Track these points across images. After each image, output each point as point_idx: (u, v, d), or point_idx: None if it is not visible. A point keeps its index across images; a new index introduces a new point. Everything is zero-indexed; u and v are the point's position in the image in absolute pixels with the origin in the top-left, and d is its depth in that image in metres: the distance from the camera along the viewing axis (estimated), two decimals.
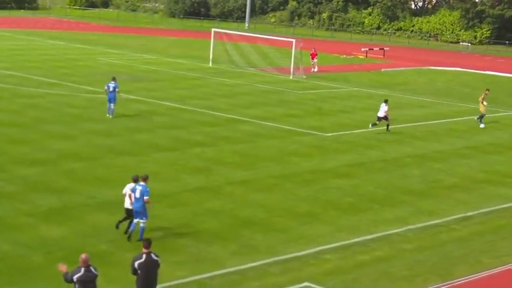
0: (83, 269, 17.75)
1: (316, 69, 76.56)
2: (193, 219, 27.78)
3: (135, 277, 18.95)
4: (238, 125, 45.85)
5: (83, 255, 17.92)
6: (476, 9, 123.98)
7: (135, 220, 25.00)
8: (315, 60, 77.46)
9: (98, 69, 67.88)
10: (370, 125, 46.15)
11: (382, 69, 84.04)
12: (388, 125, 46.33)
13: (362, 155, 40.05)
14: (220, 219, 27.90)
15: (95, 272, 17.89)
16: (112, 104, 45.03)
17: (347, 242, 26.39)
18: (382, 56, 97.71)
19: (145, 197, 24.69)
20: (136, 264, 18.79)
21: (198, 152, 38.01)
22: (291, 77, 70.26)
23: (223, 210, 28.91)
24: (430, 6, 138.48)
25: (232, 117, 48.10)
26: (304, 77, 71.15)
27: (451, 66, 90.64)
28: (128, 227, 25.28)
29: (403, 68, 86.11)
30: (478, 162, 40.47)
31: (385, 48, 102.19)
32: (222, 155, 37.70)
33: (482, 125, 50.86)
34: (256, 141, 41.61)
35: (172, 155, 37.35)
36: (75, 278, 17.65)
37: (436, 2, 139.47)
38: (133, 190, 24.94)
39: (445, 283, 23.14)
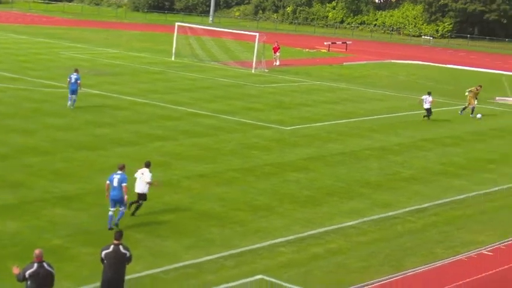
0: (35, 265, 17.55)
1: (278, 63, 76.82)
2: (150, 213, 27.85)
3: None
4: (199, 118, 45.98)
5: (37, 251, 17.76)
6: (439, 3, 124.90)
7: (112, 209, 25.61)
8: (278, 54, 77.74)
9: (60, 63, 67.62)
10: (423, 116, 50.24)
11: (344, 63, 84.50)
12: (429, 115, 50.61)
13: (321, 148, 40.36)
14: (177, 213, 28.01)
15: (49, 269, 17.67)
16: (74, 96, 45.59)
17: (302, 234, 26.62)
18: (345, 50, 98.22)
19: (123, 184, 25.33)
20: (103, 254, 19.01)
21: (158, 146, 38.10)
22: (253, 71, 70.48)
23: (181, 204, 29.03)
24: (393, 0, 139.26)
25: (193, 111, 48.20)
26: (266, 70, 71.40)
27: (413, 60, 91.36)
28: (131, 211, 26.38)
29: (365, 62, 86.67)
30: (435, 154, 40.97)
31: (347, 42, 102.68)
32: (182, 149, 37.81)
33: (479, 115, 52.41)
34: (217, 135, 41.78)
35: (132, 149, 37.38)
36: (27, 273, 17.44)
37: None
38: (110, 179, 25.55)
39: (397, 274, 23.49)
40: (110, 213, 25.74)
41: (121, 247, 19.12)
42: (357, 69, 79.89)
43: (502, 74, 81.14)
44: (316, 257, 24.76)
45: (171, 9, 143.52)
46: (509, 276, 24.07)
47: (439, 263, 24.69)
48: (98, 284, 19.65)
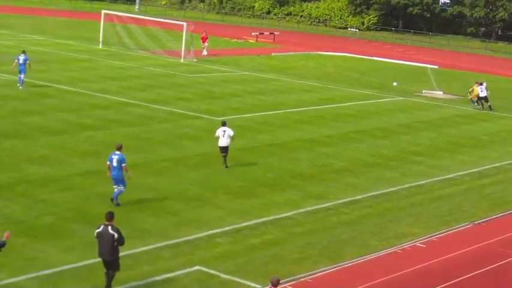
0: None
1: (206, 53, 76.50)
2: (82, 203, 27.48)
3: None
4: (129, 108, 45.51)
5: None
6: None
7: (115, 186, 27.23)
8: (206, 44, 77.43)
9: None
10: (474, 104, 52.61)
11: (272, 54, 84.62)
12: (490, 105, 54.79)
13: (252, 140, 40.32)
14: (111, 203, 27.61)
15: None
16: (22, 75, 48.25)
17: (238, 225, 26.56)
18: (272, 41, 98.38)
19: (123, 165, 27.09)
20: (95, 233, 20.19)
21: (89, 136, 37.56)
22: (181, 60, 70.06)
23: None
24: None
25: (123, 100, 47.69)
26: (195, 60, 71.07)
27: (339, 52, 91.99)
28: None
29: (292, 53, 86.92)
30: (365, 146, 41.28)
31: (275, 33, 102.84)
32: (113, 138, 37.23)
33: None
34: (148, 125, 41.42)
35: (61, 138, 36.80)
36: None
37: None
38: (110, 160, 27.28)
39: (334, 265, 23.60)
40: (116, 190, 27.25)
41: (109, 228, 19.95)
42: (285, 60, 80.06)
43: (428, 67, 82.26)
44: (253, 248, 24.72)
45: None
46: (441, 268, 24.37)
47: (374, 255, 24.87)
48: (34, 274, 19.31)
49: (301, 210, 28.94)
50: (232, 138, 34.04)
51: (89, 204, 27.45)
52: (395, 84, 53.47)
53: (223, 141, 33.88)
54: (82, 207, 27.07)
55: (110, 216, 20.21)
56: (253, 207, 28.85)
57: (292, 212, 28.61)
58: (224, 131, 33.94)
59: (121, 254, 22.49)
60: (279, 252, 24.42)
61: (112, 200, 27.48)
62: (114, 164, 27.24)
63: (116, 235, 19.92)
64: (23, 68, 48.16)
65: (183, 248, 24.04)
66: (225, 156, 34.06)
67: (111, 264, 20.25)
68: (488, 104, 55.89)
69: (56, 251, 22.91)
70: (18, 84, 48.21)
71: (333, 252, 24.72)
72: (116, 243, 20.02)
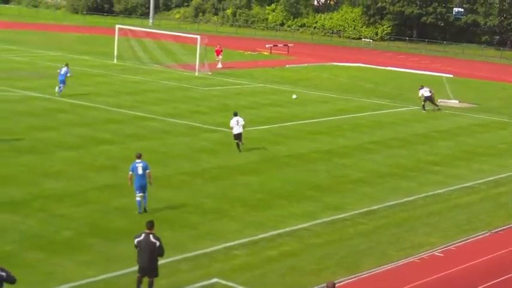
0: None
1: (220, 66, 76.63)
2: (100, 218, 27.52)
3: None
4: (145, 122, 45.63)
5: None
6: (377, 6, 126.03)
7: (139, 194, 27.95)
8: (220, 56, 77.56)
9: None
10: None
11: (287, 65, 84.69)
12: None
13: (269, 151, 40.29)
14: (128, 217, 27.69)
15: (1, 273, 17.48)
16: (62, 86, 52.12)
17: (255, 237, 26.53)
18: (286, 52, 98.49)
19: (147, 171, 27.92)
20: (135, 241, 20.45)
21: (105, 150, 37.66)
22: (196, 74, 70.21)
23: (130, 208, 28.64)
24: (332, 2, 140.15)
25: (138, 114, 47.81)
26: (210, 73, 71.19)
27: (354, 62, 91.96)
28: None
29: (306, 64, 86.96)
30: (382, 156, 41.19)
31: (289, 45, 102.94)
32: (129, 152, 37.19)
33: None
34: (164, 138, 41.49)
35: (77, 153, 36.90)
36: None
37: None
38: (133, 168, 27.95)
39: (352, 276, 23.53)
40: (138, 198, 27.98)
41: (151, 236, 20.34)
42: (299, 71, 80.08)
43: (443, 76, 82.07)
44: (270, 259, 24.67)
45: (111, 12, 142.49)
46: (460, 277, 24.26)
47: (392, 265, 24.79)
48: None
49: (318, 221, 28.88)
50: (243, 126, 39.10)
51: (106, 218, 27.49)
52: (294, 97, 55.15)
53: (237, 129, 39.02)
54: (99, 221, 27.11)
55: (151, 225, 20.63)
56: (270, 219, 28.82)
57: (309, 223, 28.56)
58: (237, 121, 39.08)
59: (137, 267, 22.56)
60: (296, 264, 24.37)
61: (141, 211, 28.12)
62: (140, 171, 27.97)
63: (157, 243, 20.36)
64: (62, 79, 51.84)
65: (200, 260, 24.03)
66: (238, 144, 39.05)
67: (151, 271, 20.61)
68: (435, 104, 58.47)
69: (74, 265, 22.95)
70: (56, 92, 51.91)
71: (351, 263, 24.65)
72: (156, 253, 20.40)
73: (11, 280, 17.75)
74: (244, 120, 39.30)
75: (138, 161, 28.27)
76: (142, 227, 26.33)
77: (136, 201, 28.14)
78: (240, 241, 26.02)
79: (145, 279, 20.82)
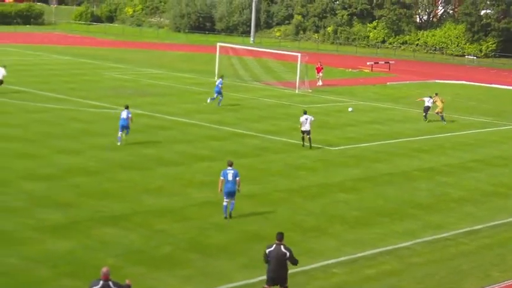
0: (101, 282, 17.63)
1: (321, 83, 76.47)
2: (200, 233, 27.68)
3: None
4: (245, 139, 45.81)
5: (104, 269, 17.77)
6: (482, 22, 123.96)
7: (227, 200, 29.21)
8: (320, 74, 77.42)
9: (103, 83, 67.98)
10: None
11: (388, 83, 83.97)
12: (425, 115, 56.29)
13: (369, 169, 39.92)
14: (227, 233, 27.79)
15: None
16: (217, 96, 55.83)
17: (354, 256, 26.26)
18: (388, 70, 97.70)
19: (237, 178, 29.09)
20: (267, 251, 21.06)
21: (205, 167, 37.93)
22: (296, 91, 70.19)
23: (230, 225, 28.79)
24: (435, 19, 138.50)
25: (239, 131, 48.05)
26: (310, 90, 71.11)
27: (457, 80, 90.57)
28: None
29: (408, 82, 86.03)
30: (485, 175, 40.35)
31: (390, 62, 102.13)
32: None
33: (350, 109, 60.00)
34: (263, 155, 41.55)
35: (178, 169, 37.28)
36: None
37: (441, 15, 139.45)
38: (224, 175, 29.10)
39: None
40: (225, 203, 29.20)
41: (282, 247, 20.94)
42: (401, 89, 79.29)
43: None
44: (369, 278, 24.37)
45: (212, 30, 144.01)
46: None
47: (496, 287, 24.13)
48: None
49: (419, 240, 28.40)
50: (312, 123, 43.35)
51: (204, 234, 27.62)
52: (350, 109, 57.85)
53: (306, 127, 43.31)
54: (199, 237, 27.26)
55: (281, 237, 21.13)
56: (370, 237, 28.49)
57: (410, 242, 28.10)
58: (306, 119, 43.07)
59: (237, 283, 22.64)
60: (396, 283, 23.99)
61: (227, 215, 29.32)
62: (230, 178, 29.03)
63: (287, 253, 20.89)
64: (218, 90, 54.02)
65: (299, 278, 23.83)
66: (303, 138, 43.69)
67: (282, 280, 21.11)
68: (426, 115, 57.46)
69: (175, 280, 23.11)
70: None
71: (453, 284, 24.12)
72: (285, 262, 20.99)
73: None
74: (313, 118, 43.76)
75: (229, 168, 29.28)
76: (240, 244, 26.58)
77: (223, 206, 29.29)
78: (339, 259, 25.78)
79: None
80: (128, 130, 42.12)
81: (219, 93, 57.52)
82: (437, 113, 56.52)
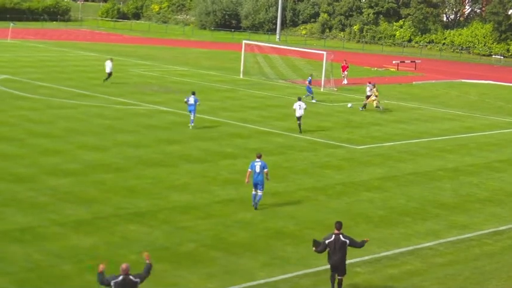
0: (121, 277, 18.08)
1: (346, 82, 76.31)
2: (223, 231, 27.74)
3: None
4: (269, 137, 45.82)
5: (124, 265, 18.24)
6: (509, 22, 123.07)
7: (255, 191, 30.17)
8: (346, 72, 77.26)
9: (129, 80, 68.20)
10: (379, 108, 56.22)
11: (414, 82, 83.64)
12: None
13: (393, 168, 39.81)
14: (250, 231, 27.83)
15: (134, 279, 18.19)
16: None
17: (377, 255, 26.20)
18: (414, 69, 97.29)
19: (265, 170, 30.06)
20: (326, 241, 21.77)
21: (229, 164, 38.00)
22: (321, 90, 70.03)
23: (253, 222, 28.84)
24: (462, 19, 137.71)
25: (263, 129, 48.07)
26: (335, 89, 70.98)
27: (484, 79, 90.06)
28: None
29: (434, 81, 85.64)
30: (510, 175, 40.08)
31: (416, 61, 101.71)
32: None
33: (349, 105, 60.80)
34: (288, 154, 41.55)
35: (202, 166, 37.36)
36: (112, 282, 18.00)
37: (468, 14, 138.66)
38: (252, 167, 30.12)
39: None
40: (253, 192, 30.26)
41: (341, 236, 21.81)
42: (427, 88, 78.94)
43: None
44: (392, 278, 24.31)
45: (238, 28, 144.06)
46: None
47: None
48: None
49: (442, 241, 28.28)
50: (304, 109, 46.87)
51: (228, 231, 27.68)
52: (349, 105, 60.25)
53: (299, 112, 46.63)
54: (222, 234, 27.32)
55: (339, 226, 22.01)
56: (393, 236, 28.42)
57: (434, 242, 27.99)
58: (299, 105, 46.60)
59: (260, 281, 22.68)
60: (418, 283, 23.91)
61: (254, 204, 30.34)
62: (257, 169, 30.02)
63: (347, 241, 21.78)
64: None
65: (322, 276, 23.82)
66: (299, 124, 46.84)
67: (342, 269, 21.93)
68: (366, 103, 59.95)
69: (197, 277, 23.18)
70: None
71: (476, 285, 24.01)
72: (353, 247, 22.10)
73: (146, 275, 18.68)
74: (306, 105, 47.81)
75: (257, 160, 30.28)
76: (263, 242, 26.60)
77: (252, 194, 30.49)
78: (362, 258, 25.72)
79: None
80: (195, 113, 46.68)
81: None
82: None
